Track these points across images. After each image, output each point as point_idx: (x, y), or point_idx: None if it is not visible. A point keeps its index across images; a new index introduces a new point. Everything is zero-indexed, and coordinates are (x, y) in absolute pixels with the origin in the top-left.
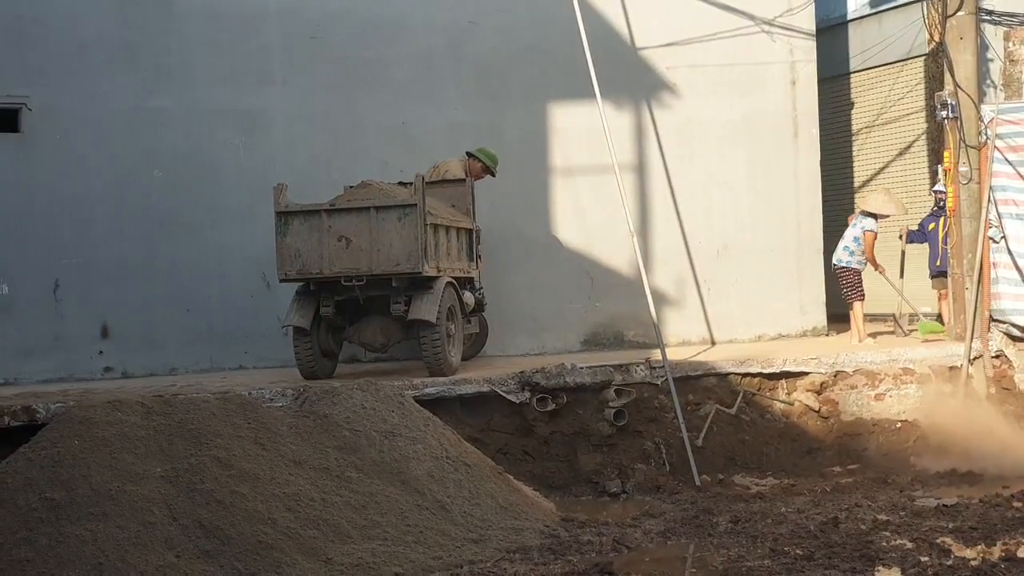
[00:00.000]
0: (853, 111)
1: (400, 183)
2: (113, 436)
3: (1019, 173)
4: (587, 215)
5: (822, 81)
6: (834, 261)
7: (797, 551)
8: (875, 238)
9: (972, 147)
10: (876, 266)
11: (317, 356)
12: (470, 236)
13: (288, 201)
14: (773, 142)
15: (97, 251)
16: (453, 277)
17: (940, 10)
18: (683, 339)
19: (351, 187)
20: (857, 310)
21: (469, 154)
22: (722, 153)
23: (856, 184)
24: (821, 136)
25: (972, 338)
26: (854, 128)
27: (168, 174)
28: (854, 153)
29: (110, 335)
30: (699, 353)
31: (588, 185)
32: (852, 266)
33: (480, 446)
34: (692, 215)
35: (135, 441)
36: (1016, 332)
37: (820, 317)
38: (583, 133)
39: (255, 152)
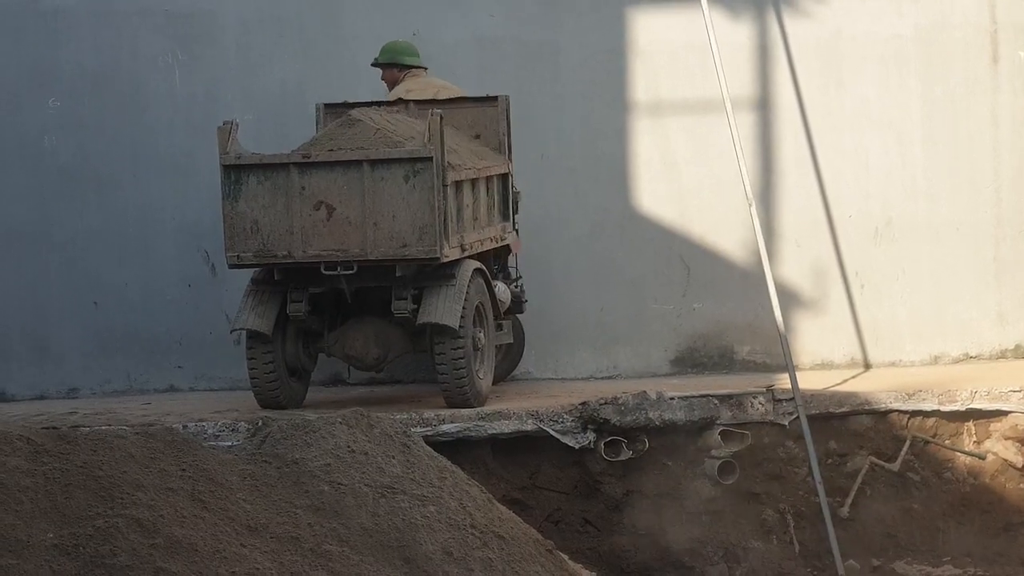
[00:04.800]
0: None
1: (398, 104)
2: None
3: None
4: (683, 174)
5: None
6: None
7: None
8: None
9: None
10: None
11: (282, 375)
12: (505, 183)
13: (240, 149)
14: (961, 68)
15: None
16: (485, 251)
17: None
18: (822, 359)
19: (328, 108)
20: None
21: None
22: (886, 84)
23: None
24: None
25: None
26: None
27: (68, 105)
28: None
29: None
30: (846, 380)
31: (684, 130)
32: None
33: (521, 511)
34: (839, 175)
35: (17, 493)
36: None
37: None
38: (678, 54)
39: (196, 74)
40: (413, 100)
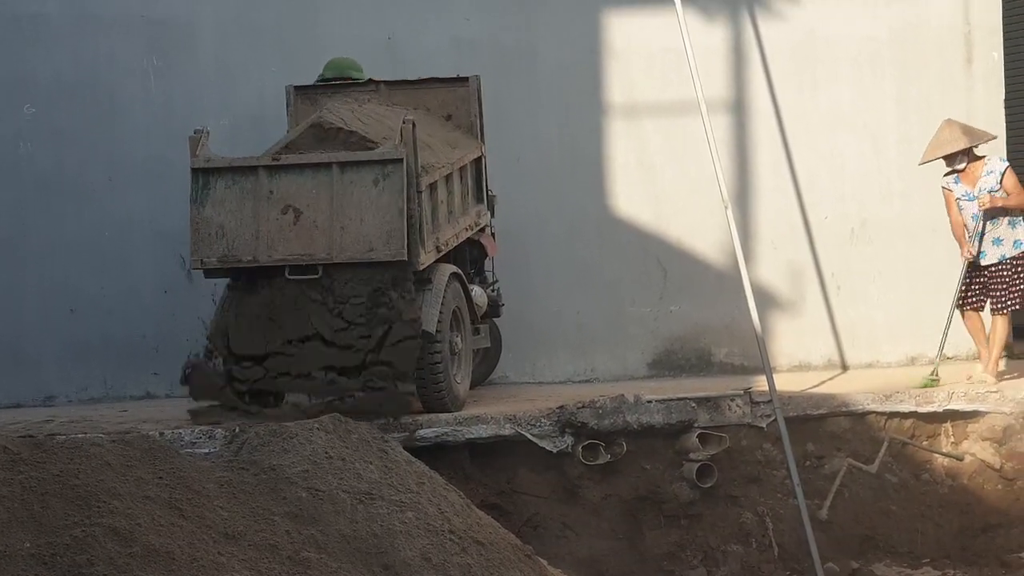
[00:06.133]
0: None
1: (369, 84)
2: None
3: None
4: (659, 177)
5: None
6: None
7: None
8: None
9: None
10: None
11: None
12: (478, 167)
13: (209, 154)
14: (936, 70)
15: None
16: (460, 241)
17: None
18: (800, 361)
19: (299, 91)
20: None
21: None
22: (860, 86)
23: None
24: (1007, 62)
25: None
26: None
27: (45, 112)
28: None
29: None
30: (824, 382)
31: (660, 132)
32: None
33: (499, 515)
34: (814, 176)
35: None
36: None
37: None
38: (654, 56)
39: (173, 81)
40: (384, 82)
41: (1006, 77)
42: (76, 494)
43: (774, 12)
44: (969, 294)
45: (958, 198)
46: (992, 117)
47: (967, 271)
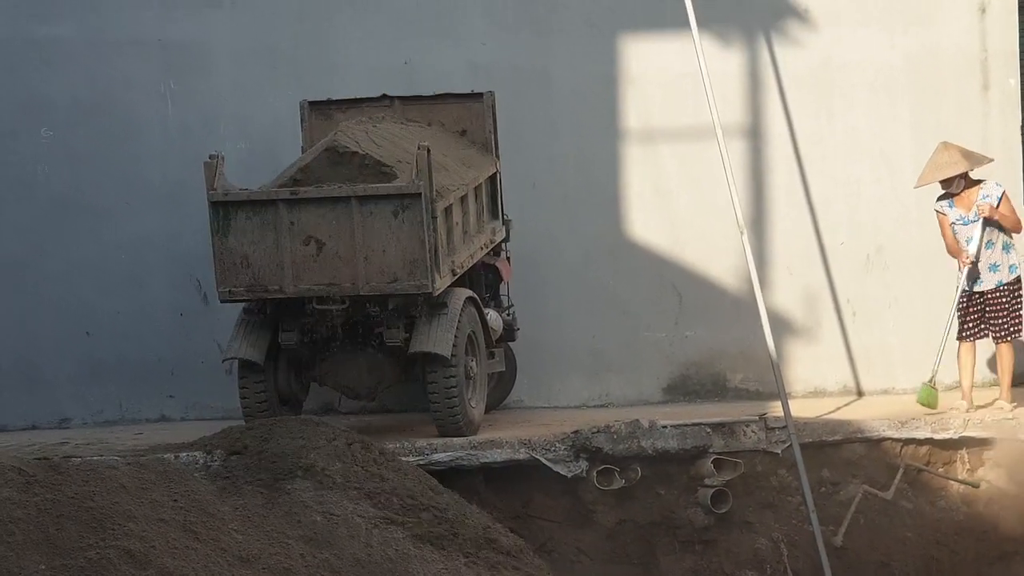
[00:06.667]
0: None
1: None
2: None
3: None
4: (675, 202)
5: None
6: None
7: None
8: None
9: None
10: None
11: (273, 404)
12: (493, 183)
13: (227, 185)
14: (952, 96)
15: None
16: (476, 261)
17: None
18: (815, 387)
19: (313, 106)
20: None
21: None
22: (876, 112)
23: None
24: None
25: None
26: None
27: (62, 134)
28: None
29: None
30: (839, 408)
31: (676, 158)
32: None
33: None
34: (830, 202)
35: (8, 525)
36: None
37: (1021, 357)
38: (670, 82)
39: (190, 104)
40: (399, 97)
41: (1023, 103)
42: (91, 516)
43: (791, 38)
44: (968, 323)
45: (953, 222)
46: (1009, 143)
47: (962, 300)
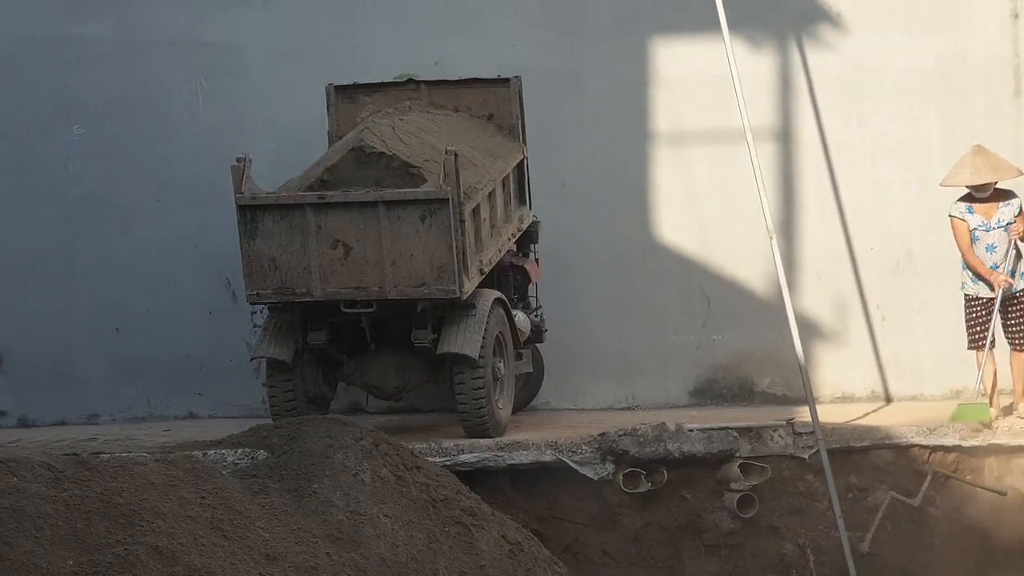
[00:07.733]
0: None
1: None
2: (5, 512)
3: None
4: (704, 205)
5: None
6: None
7: None
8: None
9: None
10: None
11: (301, 403)
12: (520, 170)
13: (255, 188)
14: (983, 101)
15: None
16: (503, 255)
17: None
18: (843, 392)
19: (339, 91)
20: None
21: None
22: (907, 116)
23: None
24: None
25: None
26: None
27: (93, 133)
28: None
29: (4, 364)
30: (867, 414)
31: (706, 161)
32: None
33: (539, 542)
34: (859, 207)
35: (37, 520)
36: None
37: None
38: (701, 84)
39: (221, 103)
40: (425, 82)
41: None
42: (119, 512)
43: (821, 42)
44: (983, 331)
45: (974, 228)
46: None
47: (974, 308)
